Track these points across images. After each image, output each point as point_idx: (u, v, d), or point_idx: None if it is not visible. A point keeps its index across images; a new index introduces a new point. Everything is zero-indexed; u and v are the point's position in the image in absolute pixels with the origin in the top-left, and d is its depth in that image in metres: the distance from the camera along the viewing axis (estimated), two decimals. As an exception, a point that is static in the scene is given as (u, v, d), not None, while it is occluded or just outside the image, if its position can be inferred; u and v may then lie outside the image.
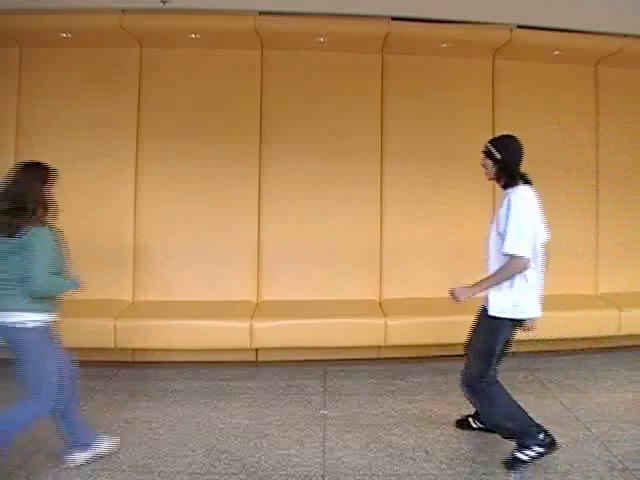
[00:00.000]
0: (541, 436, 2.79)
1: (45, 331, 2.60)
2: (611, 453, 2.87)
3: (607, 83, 4.96)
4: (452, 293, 2.83)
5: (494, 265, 2.84)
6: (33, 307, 2.55)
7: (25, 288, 2.50)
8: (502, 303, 2.82)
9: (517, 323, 2.91)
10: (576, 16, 4.25)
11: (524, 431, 2.80)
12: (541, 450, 2.77)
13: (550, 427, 3.15)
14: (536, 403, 3.52)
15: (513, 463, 2.78)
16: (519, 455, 2.78)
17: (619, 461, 2.79)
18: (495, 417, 2.90)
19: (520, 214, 2.76)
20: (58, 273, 2.62)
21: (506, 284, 2.81)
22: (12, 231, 2.50)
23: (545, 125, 4.85)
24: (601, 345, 4.54)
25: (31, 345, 2.57)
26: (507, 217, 2.77)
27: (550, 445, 2.79)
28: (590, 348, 4.52)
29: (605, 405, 3.50)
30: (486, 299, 2.87)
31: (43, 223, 2.57)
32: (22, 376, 2.60)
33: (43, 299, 2.58)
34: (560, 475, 2.67)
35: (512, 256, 2.74)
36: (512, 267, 2.75)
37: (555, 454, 2.84)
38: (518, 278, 2.81)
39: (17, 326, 2.52)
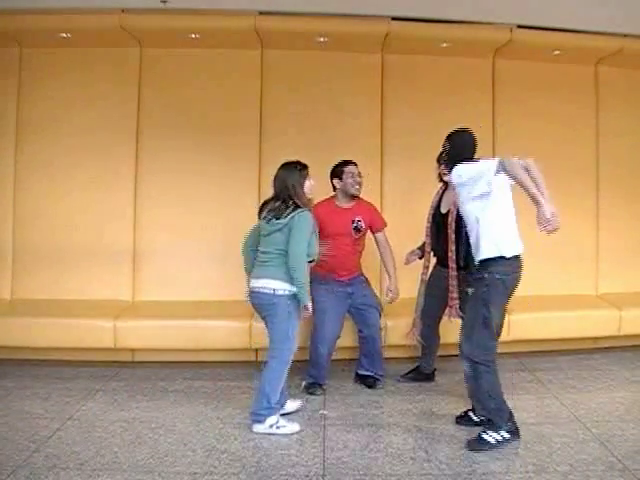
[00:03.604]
0: (509, 423, 2.93)
1: (289, 298, 3.07)
2: (611, 453, 2.86)
3: (607, 83, 4.96)
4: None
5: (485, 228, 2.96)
6: (284, 278, 3.04)
7: (280, 261, 3.05)
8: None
9: None
10: (576, 16, 4.25)
11: (500, 414, 2.91)
12: (507, 436, 2.90)
13: (550, 427, 3.17)
14: (536, 403, 3.53)
15: (478, 444, 2.90)
16: (486, 437, 2.90)
17: (619, 461, 2.78)
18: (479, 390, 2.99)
19: None
20: (310, 254, 3.10)
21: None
22: (280, 214, 3.06)
23: (545, 125, 4.85)
24: (601, 345, 4.55)
25: (278, 308, 3.07)
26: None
27: (515, 433, 2.93)
28: (590, 348, 4.52)
29: (605, 405, 3.50)
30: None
31: (306, 208, 3.10)
32: (270, 332, 3.15)
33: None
34: (560, 475, 2.67)
35: None
36: None
37: (555, 454, 2.85)
38: None
39: (267, 292, 3.08)
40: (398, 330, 4.05)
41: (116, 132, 4.56)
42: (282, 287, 3.06)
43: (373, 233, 3.82)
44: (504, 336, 4.26)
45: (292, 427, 3.12)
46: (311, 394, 3.60)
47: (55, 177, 4.53)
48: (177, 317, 4.14)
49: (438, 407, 3.47)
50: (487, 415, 2.98)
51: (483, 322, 2.93)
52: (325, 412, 3.36)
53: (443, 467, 2.75)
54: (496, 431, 2.90)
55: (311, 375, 3.69)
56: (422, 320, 3.75)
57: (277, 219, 3.08)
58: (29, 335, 3.98)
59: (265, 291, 3.09)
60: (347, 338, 3.95)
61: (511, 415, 2.97)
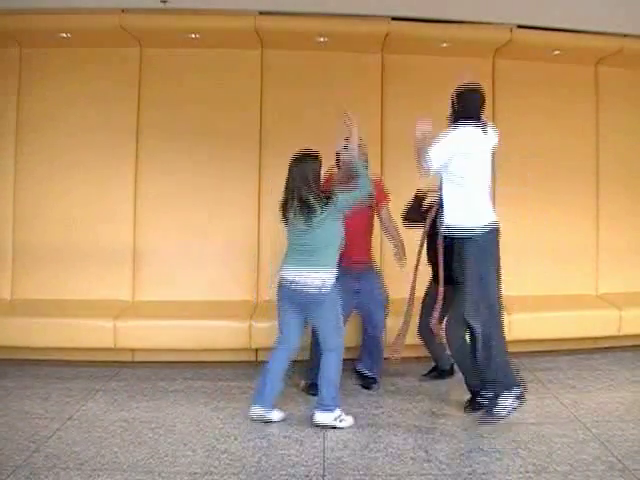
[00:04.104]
0: (518, 387, 3.07)
1: (333, 289, 3.13)
2: (611, 453, 2.86)
3: (607, 83, 4.96)
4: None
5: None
6: (330, 265, 3.13)
7: (325, 251, 3.13)
8: None
9: None
10: (576, 16, 4.25)
11: (507, 381, 3.04)
12: (516, 404, 3.01)
13: (550, 427, 3.17)
14: (536, 403, 3.52)
15: (490, 417, 3.06)
16: (498, 409, 3.02)
17: (619, 461, 2.78)
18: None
19: None
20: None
21: None
22: (313, 213, 3.08)
23: (545, 125, 4.85)
24: (601, 345, 4.54)
25: (325, 302, 3.13)
26: None
27: (522, 396, 3.05)
28: (590, 348, 4.51)
29: (605, 405, 3.50)
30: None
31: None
32: (318, 327, 3.25)
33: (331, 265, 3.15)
34: (560, 475, 2.67)
35: None
36: None
37: (555, 454, 2.85)
38: None
39: (313, 288, 3.09)
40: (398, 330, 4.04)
41: (116, 132, 4.56)
42: (328, 277, 3.11)
43: (377, 208, 3.77)
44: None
45: (350, 421, 3.21)
46: (312, 395, 3.59)
47: (55, 177, 4.53)
48: (177, 317, 4.14)
49: (438, 407, 3.47)
50: (496, 388, 3.05)
51: (480, 280, 3.08)
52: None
53: (443, 467, 2.75)
54: (506, 400, 2.99)
55: (311, 376, 3.69)
56: (420, 333, 3.83)
57: (312, 217, 3.10)
58: (29, 335, 3.98)
59: (312, 289, 3.09)
60: (348, 338, 3.93)
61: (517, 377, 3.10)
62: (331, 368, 3.19)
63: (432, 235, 3.61)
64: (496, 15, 4.31)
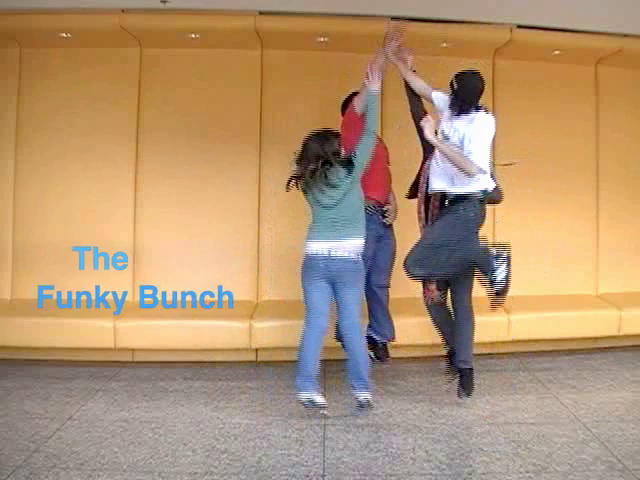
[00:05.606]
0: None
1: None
2: (611, 453, 2.86)
3: (607, 83, 4.96)
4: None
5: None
6: (360, 235, 3.21)
7: (358, 218, 3.22)
8: None
9: None
10: (576, 16, 4.25)
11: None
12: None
13: (550, 427, 3.17)
14: (536, 403, 3.53)
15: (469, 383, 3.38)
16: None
17: (619, 461, 2.78)
18: None
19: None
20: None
21: None
22: (336, 183, 3.15)
23: (545, 125, 4.85)
24: (601, 345, 4.55)
25: (359, 273, 3.25)
26: None
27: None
28: (590, 348, 4.52)
29: (605, 405, 3.50)
30: None
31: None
32: (347, 299, 3.24)
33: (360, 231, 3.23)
34: (560, 475, 2.67)
35: None
36: None
37: (555, 454, 2.84)
38: None
39: (352, 258, 3.17)
40: (398, 330, 4.04)
41: (116, 132, 4.55)
42: (362, 243, 3.21)
43: None
44: (504, 336, 4.31)
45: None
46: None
47: (55, 177, 4.53)
48: (177, 317, 4.15)
49: (438, 407, 3.47)
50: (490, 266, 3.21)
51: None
52: (325, 412, 3.35)
53: (443, 467, 2.75)
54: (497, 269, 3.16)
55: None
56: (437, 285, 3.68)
57: (334, 187, 3.15)
58: (29, 335, 3.99)
59: (349, 259, 3.15)
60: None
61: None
62: (363, 348, 3.29)
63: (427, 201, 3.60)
64: (496, 15, 4.31)
